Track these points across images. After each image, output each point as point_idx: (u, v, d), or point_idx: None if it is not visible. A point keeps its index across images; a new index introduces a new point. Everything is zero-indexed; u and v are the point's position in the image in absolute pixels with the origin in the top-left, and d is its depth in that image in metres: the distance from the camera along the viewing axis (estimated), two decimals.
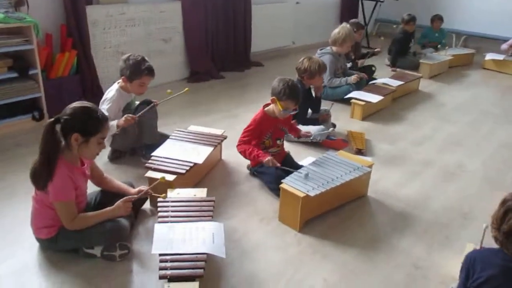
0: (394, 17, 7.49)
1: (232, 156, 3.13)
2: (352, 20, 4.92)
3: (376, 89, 4.40)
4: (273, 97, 2.74)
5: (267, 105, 2.85)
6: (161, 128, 3.20)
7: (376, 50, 5.38)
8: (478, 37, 7.17)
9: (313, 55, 3.47)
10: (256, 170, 2.88)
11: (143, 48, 4.39)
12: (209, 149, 2.81)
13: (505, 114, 4.53)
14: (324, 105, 3.86)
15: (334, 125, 3.74)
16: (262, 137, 2.80)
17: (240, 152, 2.80)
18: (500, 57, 6.09)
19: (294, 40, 6.38)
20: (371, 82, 4.68)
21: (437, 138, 3.81)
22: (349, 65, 4.87)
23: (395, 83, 4.66)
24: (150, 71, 2.90)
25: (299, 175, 2.49)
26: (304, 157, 3.21)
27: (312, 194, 2.32)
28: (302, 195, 2.32)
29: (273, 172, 2.73)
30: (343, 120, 4.01)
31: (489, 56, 6.19)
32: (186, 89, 3.13)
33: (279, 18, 6.00)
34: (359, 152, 3.36)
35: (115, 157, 3.07)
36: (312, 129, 3.39)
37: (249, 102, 4.36)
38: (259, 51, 5.86)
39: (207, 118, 3.91)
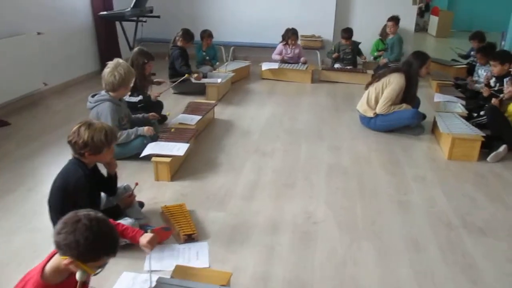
0: (159, 36, 6.81)
1: None
2: (137, 50, 3.91)
3: (175, 135, 3.49)
4: (70, 260, 1.45)
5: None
6: None
7: (157, 80, 4.51)
8: (245, 46, 7.11)
9: (91, 121, 2.26)
10: None
11: None
12: None
13: (309, 128, 4.31)
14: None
15: (141, 204, 2.70)
16: None
17: None
18: (275, 65, 6.04)
19: (45, 81, 4.87)
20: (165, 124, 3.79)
21: (264, 182, 3.18)
22: (138, 98, 3.90)
23: (193, 119, 3.86)
24: None
25: None
26: (116, 277, 2.09)
27: None
28: None
29: None
30: (148, 189, 2.98)
31: (265, 66, 6.07)
32: None
33: (19, 56, 4.41)
34: (190, 238, 2.43)
35: None
36: None
37: (4, 193, 2.85)
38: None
39: None
